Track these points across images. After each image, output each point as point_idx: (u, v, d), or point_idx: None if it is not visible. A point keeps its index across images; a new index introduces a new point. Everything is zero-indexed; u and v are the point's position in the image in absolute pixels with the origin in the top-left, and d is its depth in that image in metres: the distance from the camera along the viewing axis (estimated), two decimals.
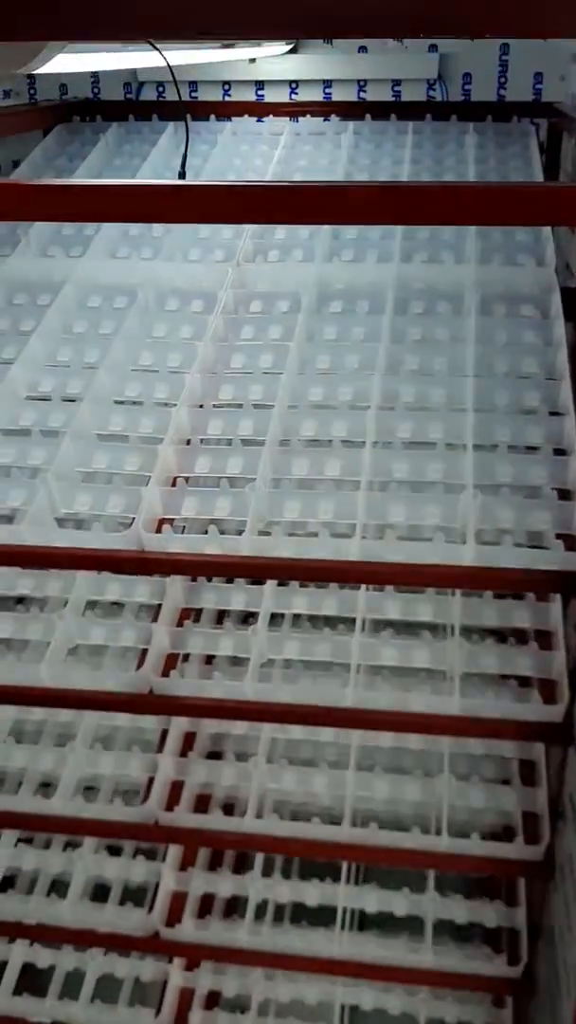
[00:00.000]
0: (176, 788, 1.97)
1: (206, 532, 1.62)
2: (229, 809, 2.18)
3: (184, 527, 1.72)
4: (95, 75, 3.26)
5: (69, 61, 1.26)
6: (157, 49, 1.61)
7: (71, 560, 1.64)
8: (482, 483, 1.63)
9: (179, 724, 2.04)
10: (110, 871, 2.12)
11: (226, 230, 2.47)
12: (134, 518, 1.59)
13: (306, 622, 2.13)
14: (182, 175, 2.57)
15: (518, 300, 2.11)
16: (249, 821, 1.85)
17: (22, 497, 1.69)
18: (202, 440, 1.82)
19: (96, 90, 3.33)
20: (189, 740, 2.05)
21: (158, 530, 1.63)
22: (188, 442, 1.82)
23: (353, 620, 1.85)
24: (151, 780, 1.96)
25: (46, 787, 2.09)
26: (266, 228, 2.47)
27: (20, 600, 2.21)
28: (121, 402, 1.93)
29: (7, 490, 1.71)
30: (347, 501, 1.63)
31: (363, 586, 1.83)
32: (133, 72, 3.23)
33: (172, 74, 1.71)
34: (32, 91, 3.29)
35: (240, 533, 1.57)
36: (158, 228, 2.51)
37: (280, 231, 2.46)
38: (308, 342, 2.06)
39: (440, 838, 1.81)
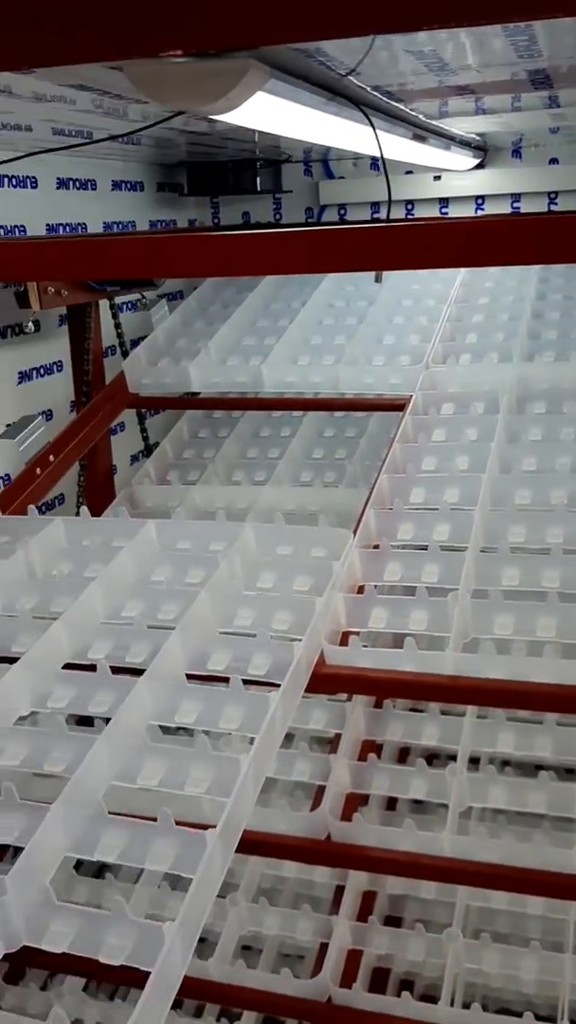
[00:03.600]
0: (353, 958, 1.65)
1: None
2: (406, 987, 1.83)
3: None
4: (277, 200, 3.28)
5: (270, 105, 1.13)
6: (369, 121, 1.50)
7: None
8: None
9: (357, 880, 1.73)
10: None
11: (413, 336, 2.33)
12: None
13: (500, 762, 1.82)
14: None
15: None
16: (444, 1009, 1.51)
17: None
18: (393, 545, 1.60)
19: (278, 216, 3.34)
20: (368, 900, 1.74)
21: (343, 642, 1.41)
22: (376, 546, 1.60)
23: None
24: (323, 946, 1.65)
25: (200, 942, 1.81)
26: (457, 330, 2.30)
27: None
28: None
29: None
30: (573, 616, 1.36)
31: None
32: (315, 194, 3.22)
33: (379, 145, 1.58)
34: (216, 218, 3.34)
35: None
36: (340, 335, 2.39)
37: (472, 334, 2.28)
38: (510, 443, 1.84)
39: None
